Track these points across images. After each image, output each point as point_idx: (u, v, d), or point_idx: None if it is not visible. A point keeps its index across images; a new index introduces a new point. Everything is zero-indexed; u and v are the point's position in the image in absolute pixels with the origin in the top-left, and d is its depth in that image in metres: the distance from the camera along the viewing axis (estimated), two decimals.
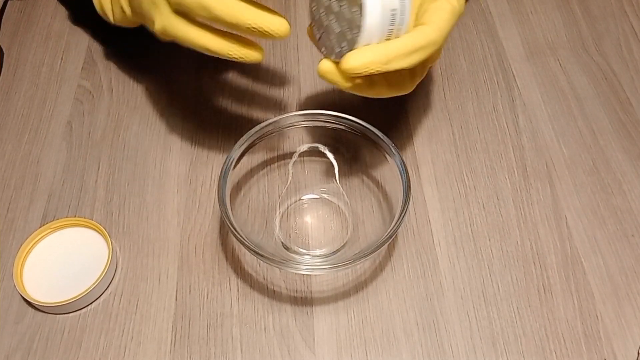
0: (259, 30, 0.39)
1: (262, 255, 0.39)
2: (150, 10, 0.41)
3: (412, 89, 0.43)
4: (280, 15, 0.39)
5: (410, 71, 0.43)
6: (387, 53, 0.38)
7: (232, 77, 0.57)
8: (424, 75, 0.44)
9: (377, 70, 0.38)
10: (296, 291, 0.44)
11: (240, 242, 0.40)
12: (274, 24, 0.39)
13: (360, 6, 0.37)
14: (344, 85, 0.40)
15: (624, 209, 0.48)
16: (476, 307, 0.43)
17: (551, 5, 0.62)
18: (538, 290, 0.44)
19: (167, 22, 0.40)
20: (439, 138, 0.52)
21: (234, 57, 0.40)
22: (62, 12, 0.62)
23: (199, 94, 0.55)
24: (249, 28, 0.38)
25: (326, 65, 0.39)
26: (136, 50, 0.58)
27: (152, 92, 0.56)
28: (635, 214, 0.47)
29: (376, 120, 0.53)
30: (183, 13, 0.40)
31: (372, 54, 0.38)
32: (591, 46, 0.58)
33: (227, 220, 0.40)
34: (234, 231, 0.40)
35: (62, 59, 0.58)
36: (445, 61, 0.57)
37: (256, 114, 0.54)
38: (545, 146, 0.51)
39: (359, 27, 0.38)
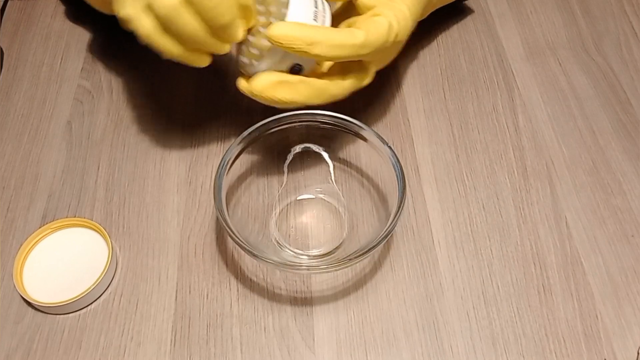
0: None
1: (259, 257, 0.39)
2: None
3: (327, 100, 0.43)
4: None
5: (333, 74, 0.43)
6: (314, 35, 0.39)
7: (232, 77, 0.56)
8: (343, 91, 0.44)
9: (299, 48, 0.38)
10: (296, 291, 0.44)
11: (238, 245, 0.40)
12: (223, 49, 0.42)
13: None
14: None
15: (624, 209, 0.48)
16: (476, 307, 0.43)
17: (551, 5, 0.62)
18: (538, 290, 0.44)
19: (134, 14, 0.40)
20: (439, 138, 0.52)
21: (184, 61, 0.42)
22: (62, 12, 0.62)
23: (199, 94, 0.55)
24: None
25: (242, 83, 0.42)
26: (136, 50, 0.58)
27: (152, 92, 0.56)
28: (635, 214, 0.47)
29: (376, 120, 0.53)
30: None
31: (300, 29, 0.38)
32: (591, 46, 0.58)
33: (224, 223, 0.40)
34: (232, 234, 0.40)
35: (62, 59, 0.59)
36: (445, 61, 0.57)
37: (256, 114, 0.53)
38: (545, 146, 0.51)
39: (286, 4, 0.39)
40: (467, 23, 0.60)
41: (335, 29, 0.41)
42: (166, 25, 0.39)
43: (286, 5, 0.40)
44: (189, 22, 0.39)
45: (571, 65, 0.57)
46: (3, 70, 0.58)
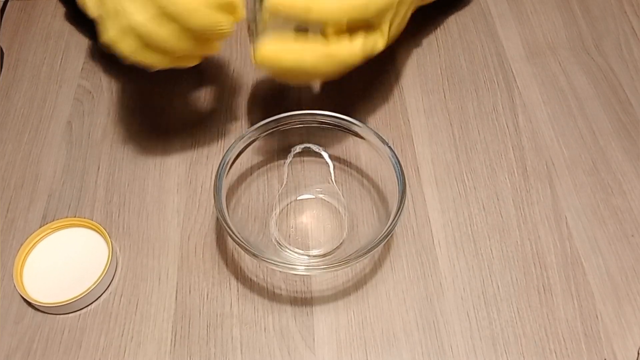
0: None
1: (259, 257, 0.39)
2: (109, 17, 0.40)
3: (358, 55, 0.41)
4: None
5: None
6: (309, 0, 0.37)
7: (232, 77, 0.57)
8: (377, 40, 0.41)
9: (296, 16, 0.37)
10: (296, 291, 0.44)
11: (238, 245, 0.40)
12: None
13: None
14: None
15: (624, 209, 0.48)
16: (476, 307, 0.43)
17: (551, 5, 0.62)
18: (538, 290, 0.44)
19: (115, 37, 0.40)
20: (439, 138, 0.52)
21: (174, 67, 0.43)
22: (62, 11, 0.62)
23: (199, 93, 0.55)
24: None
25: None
26: None
27: (152, 92, 0.56)
28: (635, 214, 0.47)
29: (376, 120, 0.53)
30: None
31: None
32: (591, 46, 0.58)
33: (224, 223, 0.40)
34: (232, 234, 0.40)
35: (62, 59, 0.59)
36: (446, 61, 0.57)
37: (256, 114, 0.54)
38: (545, 146, 0.51)
39: None
40: (467, 23, 0.60)
41: None
42: (147, 41, 0.39)
43: None
44: (170, 34, 0.39)
45: (571, 65, 0.57)
46: (3, 70, 0.58)
